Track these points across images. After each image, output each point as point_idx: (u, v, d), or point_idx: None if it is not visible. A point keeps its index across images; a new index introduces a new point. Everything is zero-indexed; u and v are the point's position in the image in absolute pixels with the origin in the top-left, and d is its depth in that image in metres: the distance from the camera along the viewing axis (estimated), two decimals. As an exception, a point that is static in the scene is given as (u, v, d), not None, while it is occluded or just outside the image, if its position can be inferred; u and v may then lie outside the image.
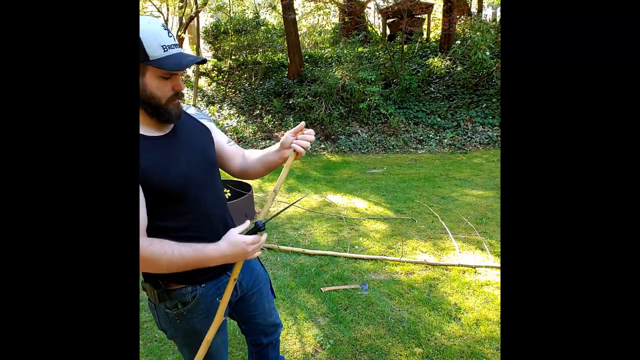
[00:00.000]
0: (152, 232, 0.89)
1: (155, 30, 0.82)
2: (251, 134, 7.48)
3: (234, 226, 1.10)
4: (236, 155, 1.15)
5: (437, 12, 12.48)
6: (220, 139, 1.13)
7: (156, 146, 0.90)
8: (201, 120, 1.07)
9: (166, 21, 9.38)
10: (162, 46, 0.83)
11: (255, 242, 0.93)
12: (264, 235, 0.97)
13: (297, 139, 1.00)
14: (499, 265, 2.63)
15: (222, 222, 1.05)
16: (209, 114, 8.41)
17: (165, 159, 0.90)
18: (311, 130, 1.02)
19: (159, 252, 0.84)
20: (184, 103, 0.99)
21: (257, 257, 1.20)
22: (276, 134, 7.64)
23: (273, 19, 14.11)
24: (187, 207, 0.94)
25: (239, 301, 1.16)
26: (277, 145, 1.06)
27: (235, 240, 0.91)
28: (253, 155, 1.14)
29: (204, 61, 0.92)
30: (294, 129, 1.02)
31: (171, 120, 0.92)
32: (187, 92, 9.47)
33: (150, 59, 0.82)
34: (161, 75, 0.85)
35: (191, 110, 1.09)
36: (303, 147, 0.98)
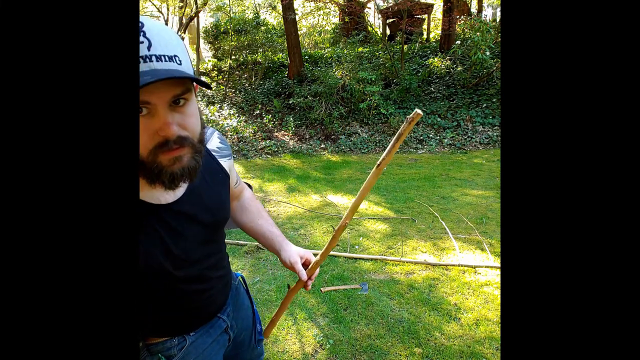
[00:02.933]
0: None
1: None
2: (251, 134, 7.48)
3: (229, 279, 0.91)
4: (235, 196, 0.98)
5: (437, 12, 12.49)
6: (232, 181, 0.89)
7: (158, 221, 0.66)
8: (221, 162, 0.82)
9: (166, 21, 9.38)
10: (142, 57, 0.53)
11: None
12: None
13: (308, 278, 0.90)
14: (499, 265, 2.63)
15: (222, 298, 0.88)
16: (209, 114, 8.41)
17: (169, 238, 0.67)
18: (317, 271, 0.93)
19: None
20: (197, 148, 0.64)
21: (246, 286, 1.04)
22: (276, 134, 7.64)
23: (273, 19, 14.12)
24: (180, 281, 0.74)
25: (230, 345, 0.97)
26: (282, 248, 0.92)
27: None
28: (255, 219, 0.98)
29: (188, 76, 0.54)
30: (305, 264, 0.90)
31: (172, 184, 0.61)
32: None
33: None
34: None
35: (213, 144, 0.81)
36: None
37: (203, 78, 10.25)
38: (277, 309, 1.00)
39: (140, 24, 0.53)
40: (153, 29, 0.54)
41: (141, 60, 0.52)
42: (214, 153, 0.80)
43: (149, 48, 0.53)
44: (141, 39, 0.52)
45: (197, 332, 0.81)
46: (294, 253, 0.91)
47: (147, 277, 0.67)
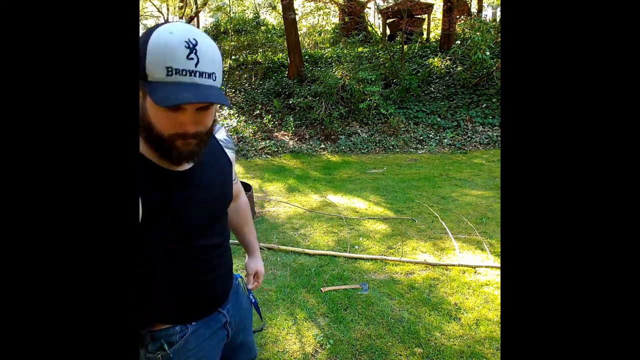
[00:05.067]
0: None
1: (168, 44, 0.62)
2: (251, 134, 7.48)
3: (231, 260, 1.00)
4: (234, 194, 1.06)
5: (437, 12, 12.49)
6: (233, 173, 1.00)
7: (169, 183, 0.75)
8: (227, 152, 0.92)
9: (166, 21, 9.39)
10: (167, 68, 0.62)
11: None
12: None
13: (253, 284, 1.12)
14: (499, 265, 2.63)
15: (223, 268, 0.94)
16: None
17: (179, 201, 0.76)
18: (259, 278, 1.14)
19: None
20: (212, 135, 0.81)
21: (244, 282, 1.12)
22: (276, 134, 7.64)
23: (273, 19, 14.11)
24: (188, 253, 0.83)
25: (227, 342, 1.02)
26: (250, 257, 1.15)
27: None
28: (242, 225, 1.13)
29: (222, 102, 0.66)
30: (256, 275, 1.13)
31: (178, 161, 0.72)
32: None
33: (148, 79, 0.63)
34: None
35: (220, 135, 0.91)
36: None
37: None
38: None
39: (194, 42, 0.64)
40: (202, 47, 0.65)
41: (188, 73, 0.63)
42: (222, 142, 0.91)
43: (196, 65, 0.64)
44: (192, 55, 0.63)
45: (198, 322, 0.88)
46: (254, 267, 1.13)
47: (157, 250, 0.77)
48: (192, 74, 0.64)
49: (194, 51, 0.63)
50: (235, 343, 1.01)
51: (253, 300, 1.13)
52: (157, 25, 0.66)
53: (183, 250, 0.81)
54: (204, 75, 0.65)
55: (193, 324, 0.87)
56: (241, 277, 1.09)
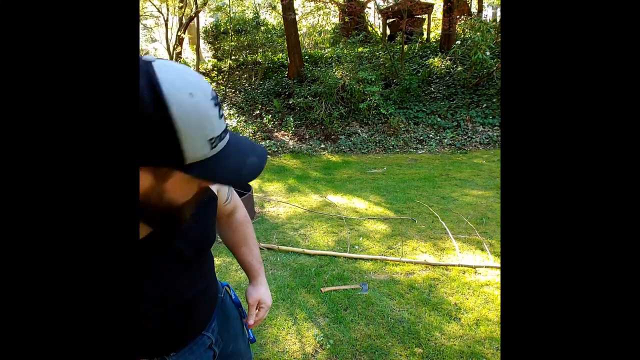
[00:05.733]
0: None
1: (201, 113, 0.48)
2: (251, 134, 7.48)
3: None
4: (224, 213, 0.95)
5: (437, 12, 12.49)
6: (221, 199, 0.87)
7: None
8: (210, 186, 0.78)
9: (166, 21, 9.37)
10: (210, 140, 0.50)
11: None
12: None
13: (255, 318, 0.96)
14: (499, 265, 2.63)
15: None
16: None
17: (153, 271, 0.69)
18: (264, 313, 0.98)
19: None
20: None
21: (231, 290, 1.03)
22: (276, 134, 7.64)
23: (273, 19, 14.12)
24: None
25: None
26: (252, 283, 0.99)
27: None
28: (238, 244, 0.98)
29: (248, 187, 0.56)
30: (258, 306, 0.96)
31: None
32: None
33: (188, 161, 0.49)
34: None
35: None
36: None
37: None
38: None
39: (214, 94, 0.52)
40: (216, 96, 0.54)
41: (223, 134, 0.53)
42: None
43: (222, 117, 0.54)
44: (220, 111, 0.53)
45: (179, 352, 0.79)
46: (255, 296, 0.96)
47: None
48: (225, 132, 0.54)
49: (219, 104, 0.53)
50: (225, 354, 0.94)
51: (246, 326, 1.00)
52: (159, 91, 0.46)
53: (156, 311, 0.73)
54: (225, 122, 0.54)
55: (172, 355, 0.77)
56: (227, 285, 1.01)
